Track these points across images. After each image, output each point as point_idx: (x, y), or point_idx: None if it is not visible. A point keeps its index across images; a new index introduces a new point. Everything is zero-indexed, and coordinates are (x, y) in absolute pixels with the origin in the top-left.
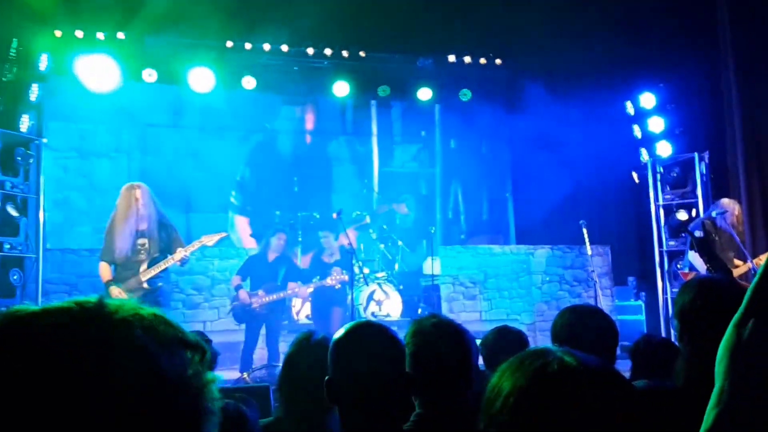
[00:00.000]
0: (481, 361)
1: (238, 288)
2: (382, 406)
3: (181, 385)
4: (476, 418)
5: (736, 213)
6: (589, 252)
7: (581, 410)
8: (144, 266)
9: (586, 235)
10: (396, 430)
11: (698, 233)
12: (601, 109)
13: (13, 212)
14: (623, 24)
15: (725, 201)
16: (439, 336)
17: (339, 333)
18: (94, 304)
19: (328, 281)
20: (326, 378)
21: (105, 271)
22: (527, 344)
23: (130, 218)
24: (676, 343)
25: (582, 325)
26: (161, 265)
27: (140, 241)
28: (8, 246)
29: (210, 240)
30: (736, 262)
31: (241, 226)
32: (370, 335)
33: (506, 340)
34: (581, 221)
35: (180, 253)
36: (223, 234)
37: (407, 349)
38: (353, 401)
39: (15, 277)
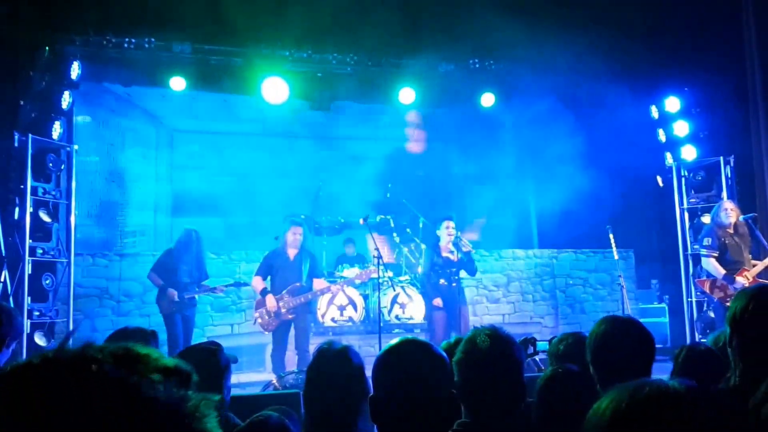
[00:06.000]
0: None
1: (264, 293)
2: (424, 426)
3: (164, 411)
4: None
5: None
6: (616, 256)
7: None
8: None
9: (612, 240)
10: None
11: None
12: (626, 113)
13: (46, 218)
14: (648, 29)
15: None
16: (490, 347)
17: (381, 351)
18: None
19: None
20: (370, 396)
21: None
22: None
23: None
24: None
25: (620, 337)
26: None
27: None
28: (41, 251)
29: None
30: (753, 261)
31: None
32: (414, 353)
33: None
34: (607, 226)
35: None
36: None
37: (456, 356)
38: (396, 420)
39: (47, 282)
